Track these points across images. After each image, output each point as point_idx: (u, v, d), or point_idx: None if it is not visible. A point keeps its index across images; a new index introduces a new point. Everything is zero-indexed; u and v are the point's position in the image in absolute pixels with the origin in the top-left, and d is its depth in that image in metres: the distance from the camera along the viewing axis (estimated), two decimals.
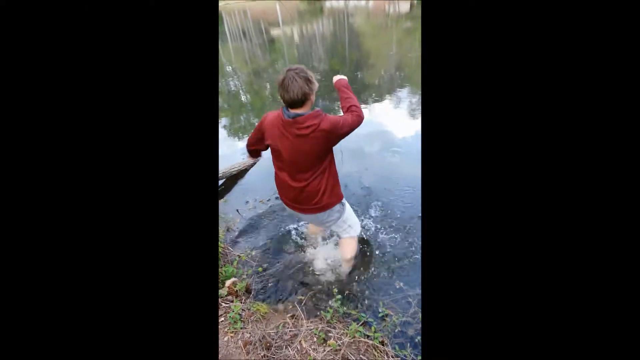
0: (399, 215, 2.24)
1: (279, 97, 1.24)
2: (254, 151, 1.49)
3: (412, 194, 2.46)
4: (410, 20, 12.49)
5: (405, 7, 17.34)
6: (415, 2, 17.97)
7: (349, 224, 1.62)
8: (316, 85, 1.26)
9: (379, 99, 4.58)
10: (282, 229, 2.20)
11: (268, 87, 5.96)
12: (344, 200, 1.54)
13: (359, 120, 1.32)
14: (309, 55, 8.25)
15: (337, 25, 13.95)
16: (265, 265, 1.91)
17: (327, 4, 23.51)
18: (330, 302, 1.61)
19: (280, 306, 1.66)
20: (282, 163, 1.36)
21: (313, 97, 1.24)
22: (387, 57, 6.85)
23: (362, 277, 1.80)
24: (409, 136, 3.47)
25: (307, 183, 1.35)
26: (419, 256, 1.87)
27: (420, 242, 1.97)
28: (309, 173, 1.33)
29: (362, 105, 3.99)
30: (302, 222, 2.15)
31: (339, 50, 8.52)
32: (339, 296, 1.61)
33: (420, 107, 4.15)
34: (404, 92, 4.78)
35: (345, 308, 1.57)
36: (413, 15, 13.97)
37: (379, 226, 2.16)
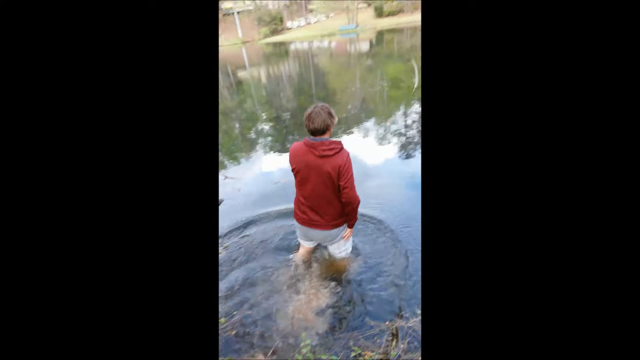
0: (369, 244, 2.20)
1: (305, 127, 1.50)
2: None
3: (382, 209, 2.51)
4: (370, 58, 13.42)
5: (365, 46, 18.72)
6: (373, 41, 19.40)
7: (347, 244, 1.88)
8: (336, 119, 1.51)
9: (349, 131, 4.72)
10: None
11: (237, 126, 5.99)
12: None
13: (354, 197, 1.54)
14: (278, 95, 8.51)
15: (303, 65, 14.68)
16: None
17: (292, 47, 24.90)
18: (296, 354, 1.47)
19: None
20: (305, 182, 1.56)
21: (332, 128, 1.52)
22: (353, 93, 7.19)
23: (335, 312, 1.70)
24: (379, 163, 3.57)
25: (329, 201, 1.56)
26: (385, 293, 1.81)
27: (391, 266, 1.95)
28: (330, 192, 1.53)
29: (334, 137, 4.12)
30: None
31: (306, 89, 8.87)
32: (308, 341, 1.49)
33: (387, 135, 4.31)
34: (370, 123, 4.98)
35: (314, 355, 1.45)
36: (373, 53, 15.05)
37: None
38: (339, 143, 1.48)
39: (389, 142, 4.15)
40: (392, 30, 24.95)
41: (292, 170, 1.59)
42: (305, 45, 25.61)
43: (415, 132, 4.30)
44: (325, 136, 1.49)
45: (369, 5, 36.05)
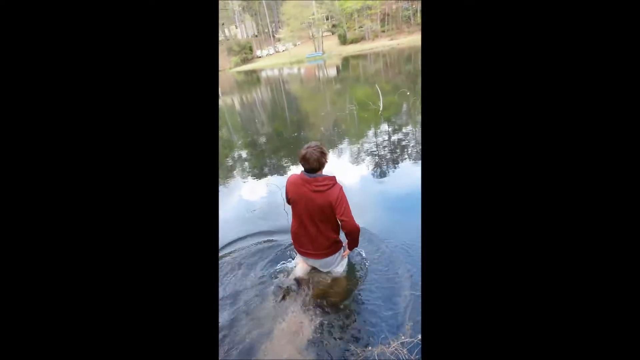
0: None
1: (300, 165, 1.65)
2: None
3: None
4: (339, 83, 14.09)
5: (332, 72, 19.59)
6: (340, 67, 20.33)
7: (343, 262, 1.98)
8: (328, 155, 1.67)
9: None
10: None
11: None
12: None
13: (354, 227, 1.67)
14: (252, 121, 8.69)
15: (275, 91, 15.09)
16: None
17: (263, 74, 25.48)
18: None
19: None
20: (300, 213, 1.69)
21: (325, 165, 1.65)
22: (324, 116, 7.53)
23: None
24: (353, 182, 3.76)
25: (321, 232, 1.69)
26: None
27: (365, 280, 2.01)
28: (322, 224, 1.67)
29: None
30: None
31: (280, 113, 9.15)
32: None
33: (361, 155, 4.57)
34: (344, 144, 5.25)
35: None
36: (341, 78, 15.80)
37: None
38: (332, 179, 1.62)
39: (363, 161, 4.40)
40: (356, 56, 26.38)
41: (288, 200, 1.75)
42: (276, 72, 26.32)
43: (387, 152, 4.60)
44: (320, 172, 1.63)
45: (333, 33, 38.09)
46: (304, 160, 1.59)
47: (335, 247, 1.80)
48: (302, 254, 1.85)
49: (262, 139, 6.40)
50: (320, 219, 1.65)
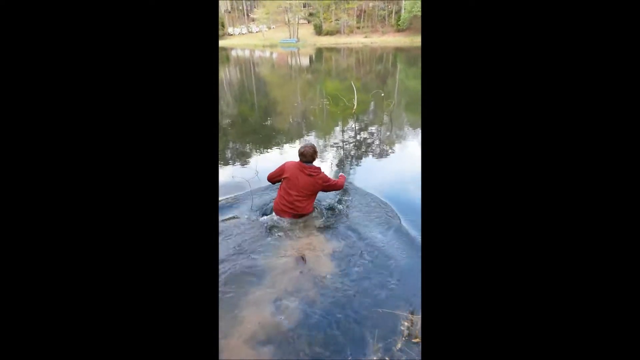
0: None
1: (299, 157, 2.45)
2: (274, 181, 2.62)
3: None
4: (310, 74, 13.98)
5: (305, 61, 19.36)
6: (313, 57, 20.12)
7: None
8: (317, 153, 2.52)
9: (292, 143, 4.92)
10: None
11: None
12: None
13: (338, 187, 2.62)
14: (219, 99, 8.30)
15: (244, 73, 14.54)
16: None
17: (233, 53, 24.37)
18: None
19: None
20: (291, 185, 2.44)
21: (316, 158, 2.50)
22: (294, 107, 7.46)
23: None
24: None
25: (300, 199, 2.45)
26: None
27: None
28: (302, 196, 2.45)
29: (277, 148, 4.17)
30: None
31: (248, 97, 8.86)
32: None
33: (327, 148, 4.62)
34: (311, 138, 5.26)
35: None
36: (313, 69, 15.68)
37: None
38: (319, 169, 2.48)
39: (329, 155, 4.46)
40: (330, 49, 26.32)
41: (282, 176, 2.48)
42: (247, 53, 25.30)
43: (352, 146, 4.70)
44: (311, 163, 2.47)
45: (309, 22, 37.51)
46: (302, 155, 2.43)
47: (304, 211, 2.50)
48: (281, 211, 2.48)
49: (227, 122, 6.17)
50: (307, 193, 2.47)
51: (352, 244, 2.29)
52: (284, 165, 2.53)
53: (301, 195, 2.45)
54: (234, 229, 2.46)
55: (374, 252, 2.19)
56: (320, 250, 2.24)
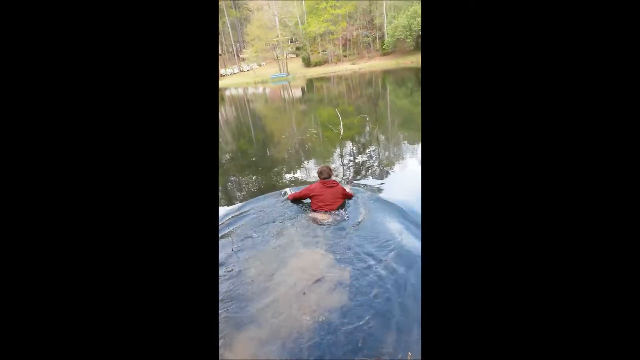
0: None
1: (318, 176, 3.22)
2: (296, 201, 3.40)
3: None
4: (303, 103, 14.39)
5: (297, 92, 20.01)
6: (305, 88, 20.81)
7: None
8: (332, 171, 3.30)
9: (291, 171, 4.97)
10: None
11: None
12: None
13: (350, 196, 3.42)
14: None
15: (240, 110, 14.98)
16: None
17: (227, 92, 25.26)
18: None
19: None
20: (320, 200, 3.15)
21: (332, 175, 3.28)
22: (290, 136, 7.61)
23: None
24: None
25: (329, 205, 3.15)
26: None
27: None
28: (330, 204, 3.16)
29: (278, 178, 4.22)
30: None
31: (245, 132, 9.07)
32: None
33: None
34: (310, 164, 5.32)
35: None
36: (305, 99, 16.16)
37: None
38: (335, 182, 3.25)
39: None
40: (320, 79, 27.28)
41: (310, 195, 3.20)
42: (241, 91, 26.23)
43: (351, 168, 4.74)
44: (330, 178, 3.24)
45: (297, 55, 39.21)
46: (320, 173, 3.23)
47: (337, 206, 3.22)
48: (320, 209, 3.15)
49: (227, 157, 6.28)
50: (333, 199, 3.18)
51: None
52: (309, 187, 3.30)
53: (328, 204, 3.23)
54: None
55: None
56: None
